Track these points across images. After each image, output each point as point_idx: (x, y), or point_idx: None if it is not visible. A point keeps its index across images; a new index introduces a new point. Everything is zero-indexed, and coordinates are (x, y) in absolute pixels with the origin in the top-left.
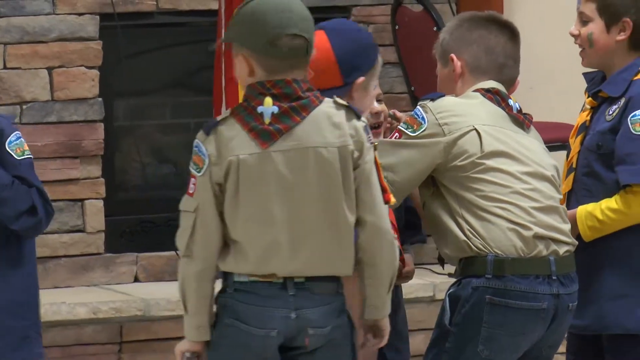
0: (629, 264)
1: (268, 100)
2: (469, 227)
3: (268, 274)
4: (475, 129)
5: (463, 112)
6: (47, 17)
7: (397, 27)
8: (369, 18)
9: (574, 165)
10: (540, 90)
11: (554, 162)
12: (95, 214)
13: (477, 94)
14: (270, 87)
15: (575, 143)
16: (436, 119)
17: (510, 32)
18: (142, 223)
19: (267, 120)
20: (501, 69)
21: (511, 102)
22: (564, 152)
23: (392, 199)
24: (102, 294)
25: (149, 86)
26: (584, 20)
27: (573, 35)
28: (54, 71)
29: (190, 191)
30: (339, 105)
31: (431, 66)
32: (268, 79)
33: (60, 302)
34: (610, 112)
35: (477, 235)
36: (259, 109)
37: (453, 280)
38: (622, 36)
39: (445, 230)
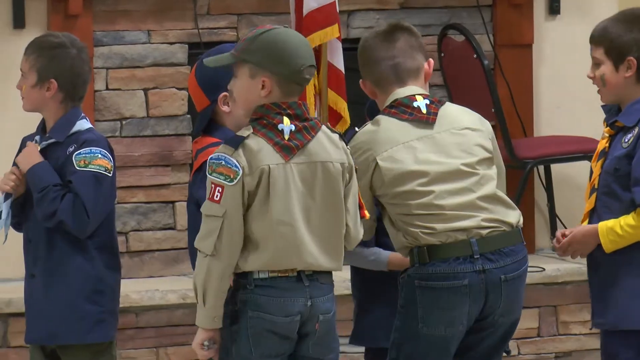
0: None
1: (286, 119)
2: (403, 233)
3: (287, 269)
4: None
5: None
6: (143, 46)
7: (442, 54)
8: None
9: (595, 186)
10: (566, 108)
11: (472, 143)
12: (184, 214)
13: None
14: (285, 108)
15: (596, 167)
16: None
17: None
18: None
19: (286, 136)
20: None
21: None
22: (586, 162)
23: (367, 215)
24: (190, 282)
25: None
26: (596, 63)
27: (590, 78)
28: (149, 92)
29: (216, 198)
30: (332, 130)
31: (470, 87)
32: (281, 100)
33: (154, 289)
34: (626, 140)
35: (406, 237)
36: (280, 126)
37: None
38: (629, 73)
39: (392, 235)
